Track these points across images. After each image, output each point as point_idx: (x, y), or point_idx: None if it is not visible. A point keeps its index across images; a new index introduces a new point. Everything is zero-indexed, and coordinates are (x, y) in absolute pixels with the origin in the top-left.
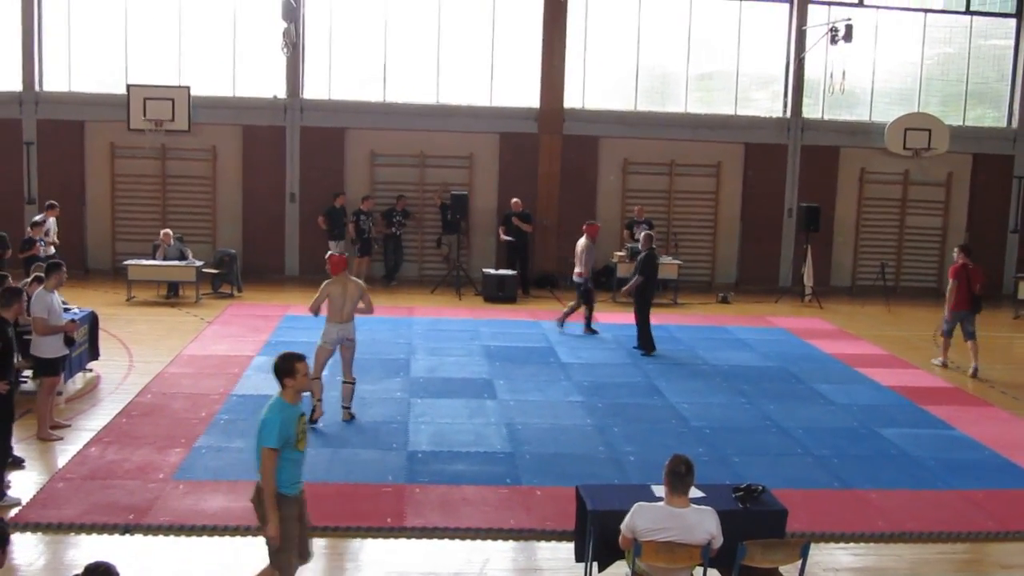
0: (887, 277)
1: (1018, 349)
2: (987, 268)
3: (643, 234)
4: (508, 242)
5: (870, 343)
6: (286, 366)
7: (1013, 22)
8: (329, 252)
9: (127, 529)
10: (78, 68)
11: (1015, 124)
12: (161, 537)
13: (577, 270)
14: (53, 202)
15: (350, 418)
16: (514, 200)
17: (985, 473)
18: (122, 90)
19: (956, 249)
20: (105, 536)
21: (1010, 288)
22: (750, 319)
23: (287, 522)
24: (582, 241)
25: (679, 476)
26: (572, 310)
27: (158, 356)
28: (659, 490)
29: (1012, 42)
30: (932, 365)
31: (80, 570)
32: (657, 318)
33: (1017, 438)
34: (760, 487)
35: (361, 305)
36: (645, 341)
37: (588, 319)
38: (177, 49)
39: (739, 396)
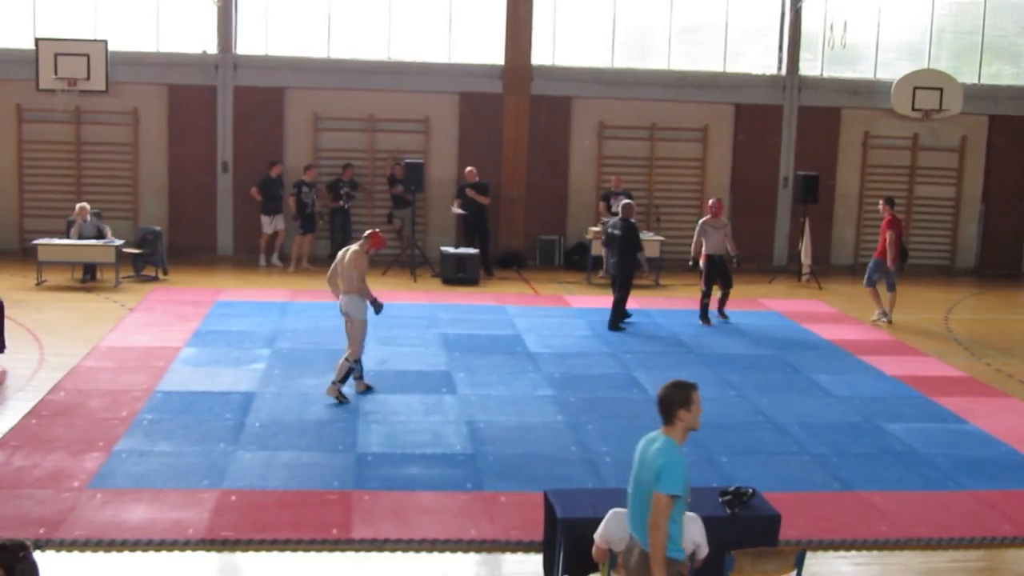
0: None
1: None
2: (1004, 243)
3: (624, 203)
4: (463, 216)
5: (874, 328)
6: (682, 395)
7: None
8: (263, 230)
9: (37, 545)
10: None
11: None
12: (76, 553)
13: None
14: None
15: (336, 395)
16: (468, 169)
17: (1002, 472)
18: (30, 44)
19: (881, 202)
20: None
21: None
22: (741, 301)
23: None
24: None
25: None
26: (725, 296)
27: (72, 348)
28: None
29: None
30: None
31: None
32: (637, 301)
33: None
34: (750, 490)
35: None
36: (617, 317)
37: (722, 303)
38: None
39: (728, 388)
